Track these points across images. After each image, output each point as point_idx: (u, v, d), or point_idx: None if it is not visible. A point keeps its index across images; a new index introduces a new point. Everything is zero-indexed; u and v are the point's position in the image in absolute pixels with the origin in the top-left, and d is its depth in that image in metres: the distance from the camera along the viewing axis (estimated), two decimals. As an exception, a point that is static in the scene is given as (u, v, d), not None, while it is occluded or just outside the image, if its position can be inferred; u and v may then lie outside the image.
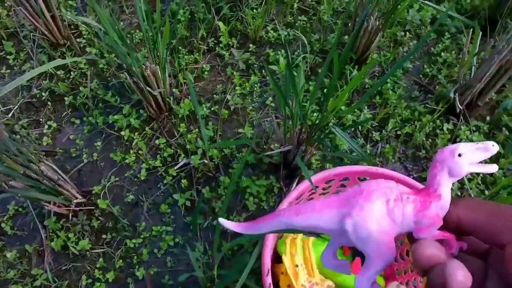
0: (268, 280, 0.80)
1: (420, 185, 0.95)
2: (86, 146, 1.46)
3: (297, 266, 0.93)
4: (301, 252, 0.99)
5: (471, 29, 1.36)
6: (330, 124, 1.17)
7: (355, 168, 0.96)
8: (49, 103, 1.54)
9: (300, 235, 1.01)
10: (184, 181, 1.36)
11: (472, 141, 1.45)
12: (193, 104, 1.11)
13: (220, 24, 1.62)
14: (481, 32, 1.34)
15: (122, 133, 1.45)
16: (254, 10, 1.69)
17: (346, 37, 1.66)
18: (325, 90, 1.50)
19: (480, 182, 1.39)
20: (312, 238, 1.02)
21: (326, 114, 1.09)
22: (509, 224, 0.25)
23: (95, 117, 1.50)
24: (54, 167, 1.16)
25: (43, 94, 1.55)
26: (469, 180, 1.39)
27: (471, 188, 1.36)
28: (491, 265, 0.28)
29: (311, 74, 1.58)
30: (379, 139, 1.47)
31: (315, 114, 1.47)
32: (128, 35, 1.70)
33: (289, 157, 1.31)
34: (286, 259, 0.94)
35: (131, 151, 1.43)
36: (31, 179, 1.06)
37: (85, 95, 1.54)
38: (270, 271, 0.83)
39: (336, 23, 1.69)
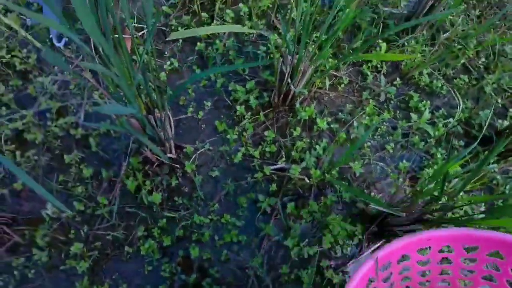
0: None
1: None
2: (196, 101, 1.39)
3: None
4: None
5: None
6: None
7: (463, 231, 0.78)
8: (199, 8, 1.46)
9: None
10: (273, 185, 1.28)
11: None
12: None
13: (382, 44, 1.47)
14: None
15: (237, 107, 1.36)
16: (423, 46, 1.53)
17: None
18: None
19: None
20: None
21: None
22: None
23: (218, 77, 1.42)
24: (171, 118, 1.09)
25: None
26: None
27: None
28: None
29: (438, 141, 1.42)
30: None
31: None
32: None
33: (391, 221, 1.19)
34: None
35: (236, 128, 1.35)
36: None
37: (217, 49, 1.46)
38: None
39: (497, 104, 1.50)
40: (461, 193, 1.32)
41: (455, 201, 1.03)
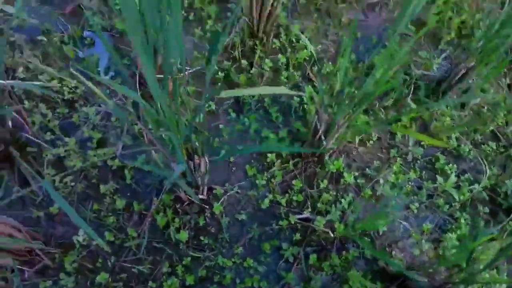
0: None
1: None
2: (229, 143, 1.45)
3: None
4: None
5: None
6: None
7: None
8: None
9: None
10: (297, 234, 1.31)
11: None
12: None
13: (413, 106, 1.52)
14: None
15: (268, 153, 1.41)
16: (453, 110, 1.57)
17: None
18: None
19: None
20: None
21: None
22: None
23: (250, 119, 1.48)
24: (207, 162, 1.15)
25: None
26: None
27: None
28: None
29: (462, 205, 1.43)
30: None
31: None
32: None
33: (411, 284, 1.20)
34: None
35: (265, 174, 1.39)
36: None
37: (253, 96, 1.53)
38: None
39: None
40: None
41: (478, 273, 1.04)
